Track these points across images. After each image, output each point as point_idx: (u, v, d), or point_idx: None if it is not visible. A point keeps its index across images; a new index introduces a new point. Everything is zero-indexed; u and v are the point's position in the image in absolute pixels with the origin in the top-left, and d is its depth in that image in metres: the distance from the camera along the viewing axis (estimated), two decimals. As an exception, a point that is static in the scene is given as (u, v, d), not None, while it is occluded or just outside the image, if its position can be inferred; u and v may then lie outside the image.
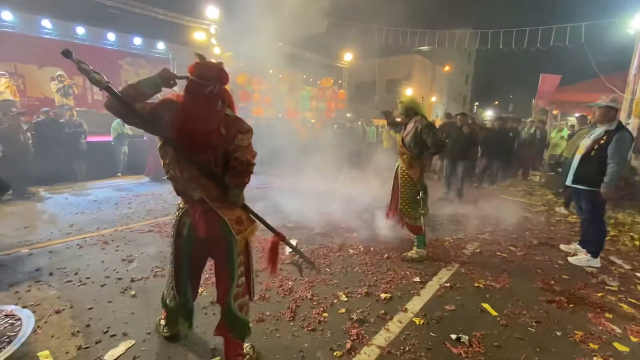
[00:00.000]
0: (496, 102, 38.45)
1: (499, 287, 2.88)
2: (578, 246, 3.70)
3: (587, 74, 10.71)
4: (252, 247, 1.85)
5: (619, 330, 2.32)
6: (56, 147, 6.34)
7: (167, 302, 1.92)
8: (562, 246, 3.91)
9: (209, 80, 1.54)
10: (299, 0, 8.60)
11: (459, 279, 3.03)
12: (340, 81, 16.19)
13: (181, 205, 1.76)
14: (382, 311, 2.43)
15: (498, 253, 3.69)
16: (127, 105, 1.49)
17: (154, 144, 7.11)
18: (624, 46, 8.71)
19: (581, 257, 3.48)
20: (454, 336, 2.17)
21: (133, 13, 9.06)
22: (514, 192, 7.16)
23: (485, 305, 2.58)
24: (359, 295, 2.66)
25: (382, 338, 2.15)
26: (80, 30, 9.87)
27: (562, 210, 5.60)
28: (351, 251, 3.56)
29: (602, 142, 3.18)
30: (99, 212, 4.77)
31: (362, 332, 2.19)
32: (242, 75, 10.71)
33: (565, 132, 7.52)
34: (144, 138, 7.46)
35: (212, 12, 9.86)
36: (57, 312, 2.30)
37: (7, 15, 8.48)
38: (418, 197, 3.29)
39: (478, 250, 3.75)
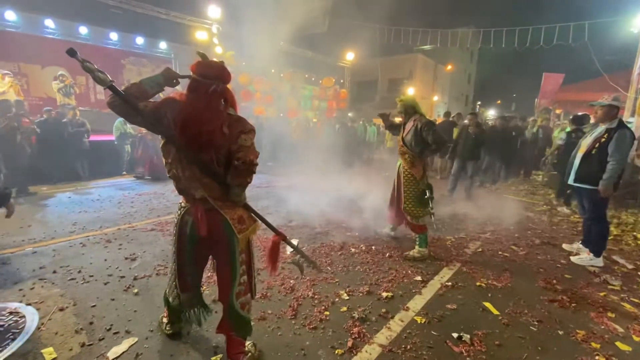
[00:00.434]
0: (499, 102, 38.31)
1: (500, 286, 2.88)
2: (581, 245, 3.69)
3: (591, 72, 10.66)
4: (253, 246, 1.86)
5: (621, 330, 2.32)
6: (59, 146, 6.38)
7: (170, 300, 1.93)
8: (564, 245, 3.90)
9: (211, 79, 1.55)
10: (300, 0, 8.60)
11: (461, 278, 3.02)
12: (342, 80, 16.17)
13: (183, 205, 1.76)
14: (383, 310, 2.44)
15: (500, 252, 3.68)
16: (130, 104, 1.50)
17: (145, 145, 7.14)
18: (627, 45, 8.65)
19: (584, 257, 3.47)
20: (455, 335, 2.17)
21: (135, 13, 9.09)
22: (516, 192, 7.14)
23: (487, 304, 2.57)
24: (361, 294, 2.66)
25: (383, 336, 2.15)
26: (83, 30, 9.92)
27: (565, 209, 5.59)
28: (353, 250, 3.57)
29: (602, 140, 3.18)
30: (102, 210, 4.80)
31: (364, 330, 2.19)
32: (243, 74, 10.73)
33: (568, 130, 7.47)
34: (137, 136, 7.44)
35: (213, 11, 9.87)
36: (61, 309, 2.32)
37: (11, 15, 8.54)
38: (425, 197, 3.29)
39: (480, 250, 3.74)
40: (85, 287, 2.64)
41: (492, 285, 2.89)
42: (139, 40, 11.24)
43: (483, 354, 2.02)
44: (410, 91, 18.71)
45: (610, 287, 2.97)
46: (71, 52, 1.46)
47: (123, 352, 1.92)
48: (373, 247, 3.65)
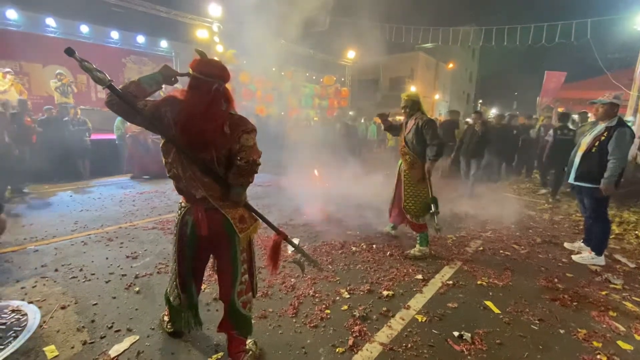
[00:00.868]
0: (500, 100, 38.22)
1: (501, 285, 2.87)
2: (582, 244, 3.68)
3: (593, 70, 10.61)
4: (254, 245, 1.86)
5: (622, 329, 2.31)
6: (60, 145, 6.39)
7: (171, 300, 1.93)
8: (566, 244, 3.89)
9: (212, 78, 1.55)
10: (301, -2, 8.58)
11: (462, 276, 3.02)
12: (343, 79, 16.15)
13: (183, 204, 1.76)
14: (384, 308, 2.44)
15: (501, 251, 3.68)
16: (128, 103, 1.48)
17: (136, 144, 7.13)
18: (630, 43, 8.60)
19: (585, 255, 3.46)
20: (456, 333, 2.17)
21: (136, 11, 9.10)
22: (518, 190, 7.12)
23: (488, 303, 2.57)
24: (361, 293, 2.66)
25: (384, 335, 2.15)
26: (84, 28, 9.92)
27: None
28: (353, 248, 3.57)
29: (602, 138, 3.18)
30: (104, 209, 4.81)
31: (365, 329, 2.19)
32: (244, 73, 10.72)
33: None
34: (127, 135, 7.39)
35: (214, 9, 9.87)
36: (63, 307, 2.32)
37: (12, 14, 8.54)
38: (431, 212, 3.28)
39: (481, 248, 3.73)
40: (87, 286, 2.65)
41: (493, 284, 2.89)
42: (140, 38, 11.24)
43: (484, 352, 2.02)
44: (412, 89, 18.67)
45: (611, 286, 2.96)
46: (69, 52, 1.44)
47: (124, 350, 1.93)
48: (374, 246, 3.65)
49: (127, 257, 3.20)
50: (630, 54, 8.49)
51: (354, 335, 2.12)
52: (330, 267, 3.12)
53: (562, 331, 2.26)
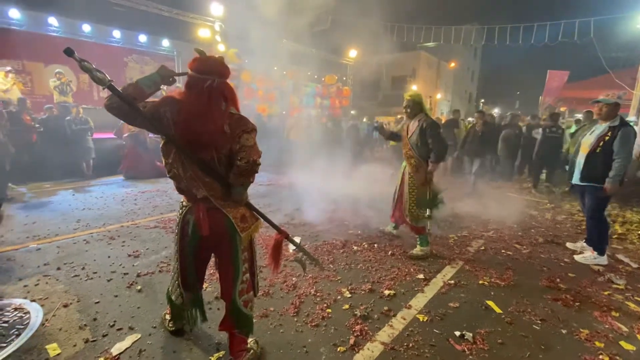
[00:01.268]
0: (503, 99, 38.08)
1: (503, 285, 2.86)
2: (584, 244, 3.66)
3: (596, 70, 10.56)
4: (255, 244, 1.86)
5: (625, 329, 2.30)
6: (62, 144, 6.41)
7: (173, 298, 1.93)
8: (568, 244, 3.87)
9: (207, 74, 1.54)
10: (303, -3, 8.57)
11: (463, 276, 3.01)
12: (344, 78, 16.13)
13: (184, 204, 1.76)
14: (385, 308, 2.43)
15: (503, 251, 3.66)
16: (129, 103, 1.47)
17: (132, 143, 7.13)
18: (633, 42, 8.57)
19: (587, 255, 3.44)
20: (457, 333, 2.17)
21: (138, 10, 9.11)
22: (520, 189, 7.10)
23: (490, 303, 2.56)
24: (363, 292, 2.66)
25: (385, 334, 2.15)
26: (86, 27, 9.93)
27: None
28: (355, 248, 3.56)
29: (606, 138, 3.18)
30: (105, 208, 4.82)
31: (366, 328, 2.19)
32: (246, 72, 10.72)
33: (574, 129, 7.43)
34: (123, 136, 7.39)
35: (216, 9, 9.87)
36: (65, 305, 2.33)
37: (15, 13, 8.57)
38: (427, 215, 3.30)
39: (483, 248, 3.72)
40: (89, 284, 2.66)
41: (495, 284, 2.88)
42: (142, 37, 11.24)
43: (485, 352, 2.02)
44: (413, 89, 18.63)
45: (614, 286, 2.94)
46: (68, 52, 1.43)
47: (126, 349, 1.93)
48: (375, 245, 3.64)
49: (129, 255, 3.21)
50: (634, 53, 8.46)
51: (355, 334, 2.12)
52: (332, 266, 3.11)
53: (564, 331, 2.25)
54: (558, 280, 2.99)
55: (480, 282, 2.90)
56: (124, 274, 2.84)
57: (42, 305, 2.31)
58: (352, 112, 14.40)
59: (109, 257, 3.17)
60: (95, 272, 2.84)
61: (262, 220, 1.83)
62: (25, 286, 2.59)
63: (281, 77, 12.33)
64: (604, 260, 3.36)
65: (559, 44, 9.83)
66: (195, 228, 1.70)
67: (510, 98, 35.85)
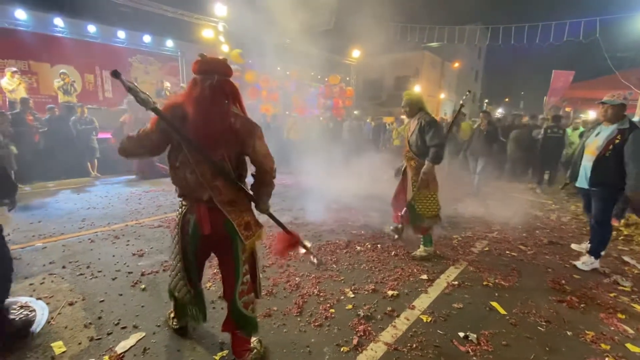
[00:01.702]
0: (507, 99, 37.88)
1: (508, 286, 2.85)
2: (589, 246, 3.60)
3: (602, 69, 10.47)
4: (257, 248, 1.87)
5: (631, 331, 2.28)
6: (66, 144, 6.46)
7: (177, 295, 1.91)
8: (573, 245, 3.84)
9: (209, 74, 1.54)
10: (306, -3, 8.58)
11: (467, 277, 3.00)
12: (348, 78, 16.11)
13: (184, 203, 1.75)
14: (389, 308, 2.43)
15: (507, 252, 3.64)
16: (171, 126, 1.51)
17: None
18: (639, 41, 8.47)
19: (587, 260, 3.34)
20: (461, 334, 2.16)
21: (143, 11, 9.17)
22: (524, 190, 7.05)
23: (494, 304, 2.55)
24: (366, 292, 2.65)
25: (388, 335, 2.14)
26: (91, 28, 10.00)
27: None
28: (358, 248, 3.56)
29: (616, 141, 3.05)
30: (110, 207, 4.86)
31: (369, 328, 2.19)
32: (249, 72, 10.74)
33: (582, 130, 7.37)
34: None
35: (220, 9, 9.90)
36: (70, 304, 2.35)
37: (21, 14, 8.65)
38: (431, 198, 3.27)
39: (487, 249, 3.70)
40: (94, 282, 2.68)
41: (499, 285, 2.86)
42: (146, 38, 11.29)
43: (490, 353, 2.01)
44: (416, 89, 18.58)
45: (620, 287, 2.92)
46: (115, 74, 1.39)
47: (131, 347, 1.95)
48: (379, 245, 3.63)
49: (134, 254, 3.23)
50: (640, 53, 8.36)
51: (359, 334, 2.12)
52: (335, 266, 3.11)
53: (569, 333, 2.24)
54: (563, 281, 2.97)
55: (485, 283, 2.89)
56: (129, 272, 2.86)
57: (47, 304, 2.34)
58: (355, 112, 14.36)
59: (113, 256, 3.19)
60: (100, 271, 2.87)
61: (265, 227, 1.86)
62: (31, 284, 2.61)
63: (285, 77, 12.34)
64: (597, 263, 3.30)
65: (564, 44, 9.76)
66: (195, 227, 1.69)
67: (514, 98, 35.67)
